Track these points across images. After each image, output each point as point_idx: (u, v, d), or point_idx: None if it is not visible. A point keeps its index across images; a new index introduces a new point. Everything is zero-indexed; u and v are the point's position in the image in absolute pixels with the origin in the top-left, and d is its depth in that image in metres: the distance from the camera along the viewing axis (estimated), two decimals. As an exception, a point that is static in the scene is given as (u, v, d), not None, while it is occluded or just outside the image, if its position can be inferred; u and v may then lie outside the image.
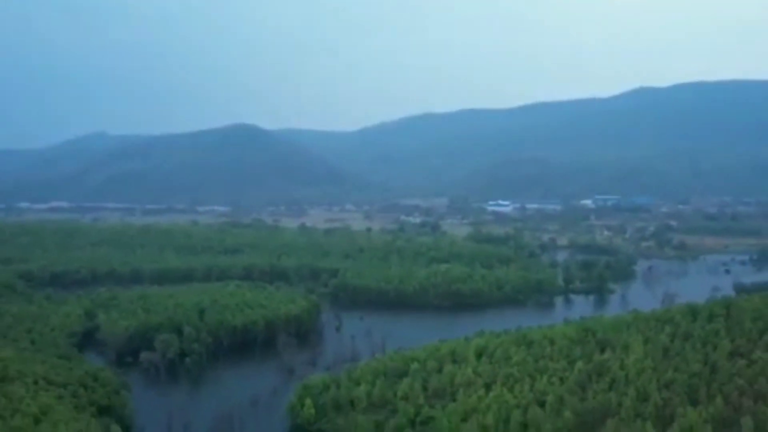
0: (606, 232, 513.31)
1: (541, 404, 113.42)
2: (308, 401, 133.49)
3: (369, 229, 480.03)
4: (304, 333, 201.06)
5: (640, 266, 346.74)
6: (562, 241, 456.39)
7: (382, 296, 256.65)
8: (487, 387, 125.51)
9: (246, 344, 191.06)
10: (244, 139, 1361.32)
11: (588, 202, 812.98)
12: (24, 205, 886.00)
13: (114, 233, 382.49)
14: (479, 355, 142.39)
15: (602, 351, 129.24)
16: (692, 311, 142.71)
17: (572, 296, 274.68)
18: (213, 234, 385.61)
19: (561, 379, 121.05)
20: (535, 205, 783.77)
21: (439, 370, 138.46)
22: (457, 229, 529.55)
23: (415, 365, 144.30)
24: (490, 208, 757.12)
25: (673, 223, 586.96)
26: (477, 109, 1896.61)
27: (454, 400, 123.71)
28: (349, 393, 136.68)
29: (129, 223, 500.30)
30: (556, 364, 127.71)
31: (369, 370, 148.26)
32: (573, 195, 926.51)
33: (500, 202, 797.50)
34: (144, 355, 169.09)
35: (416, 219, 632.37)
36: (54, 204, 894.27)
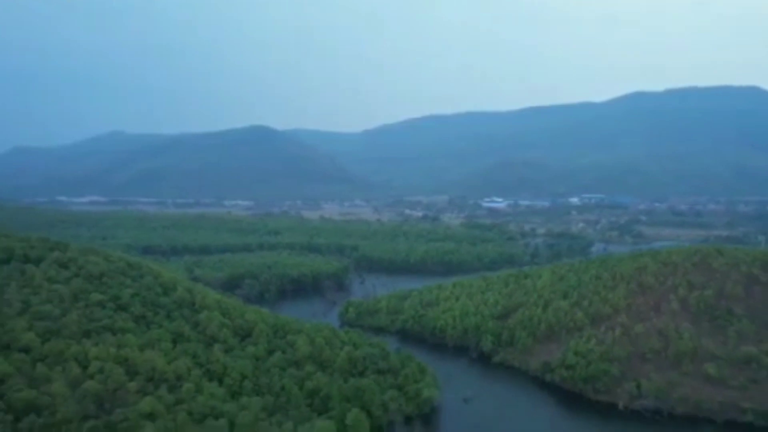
0: (581, 224, 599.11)
1: (486, 304, 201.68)
2: (351, 309, 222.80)
3: (379, 219, 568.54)
4: (339, 283, 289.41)
5: (597, 248, 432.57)
6: (541, 230, 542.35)
7: (392, 264, 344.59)
8: (457, 299, 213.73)
9: (300, 289, 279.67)
10: (258, 140, 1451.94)
11: (575, 200, 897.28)
12: (63, 198, 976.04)
13: (175, 220, 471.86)
14: (454, 285, 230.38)
15: (525, 279, 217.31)
16: (587, 261, 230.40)
17: (535, 266, 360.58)
18: (256, 220, 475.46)
19: (499, 293, 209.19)
20: (526, 202, 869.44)
21: (429, 294, 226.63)
22: (454, 221, 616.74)
23: (415, 293, 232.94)
24: (485, 205, 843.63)
25: (643, 217, 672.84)
26: (477, 112, 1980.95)
27: (438, 306, 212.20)
28: (375, 306, 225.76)
29: (184, 212, 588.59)
30: (498, 286, 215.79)
31: (386, 296, 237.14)
32: (564, 194, 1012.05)
33: (495, 199, 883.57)
34: (238, 292, 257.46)
35: (418, 213, 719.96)
36: (91, 198, 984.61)
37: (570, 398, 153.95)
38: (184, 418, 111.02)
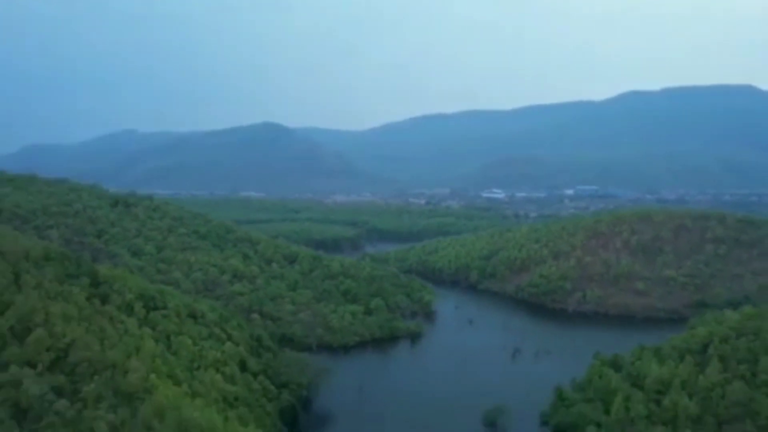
0: (571, 210, 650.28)
1: (475, 249, 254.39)
2: (367, 257, 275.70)
3: (385, 203, 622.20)
4: (355, 245, 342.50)
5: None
6: (533, 214, 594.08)
7: (398, 235, 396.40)
8: (452, 248, 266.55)
9: (323, 248, 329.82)
10: (269, 137, 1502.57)
11: (569, 192, 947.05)
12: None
13: (203, 203, 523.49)
14: (451, 240, 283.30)
15: (508, 232, 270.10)
16: (558, 219, 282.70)
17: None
18: (277, 203, 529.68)
19: (486, 242, 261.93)
20: (523, 194, 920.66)
21: (431, 246, 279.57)
22: (455, 207, 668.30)
23: (418, 246, 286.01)
24: (485, 195, 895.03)
25: (630, 204, 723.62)
26: (480, 111, 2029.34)
27: (437, 253, 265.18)
28: (386, 255, 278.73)
29: (207, 198, 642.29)
30: (485, 238, 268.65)
31: (395, 250, 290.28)
32: (560, 187, 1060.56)
33: (494, 190, 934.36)
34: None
35: (421, 201, 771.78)
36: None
37: (534, 307, 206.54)
38: (262, 296, 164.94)
